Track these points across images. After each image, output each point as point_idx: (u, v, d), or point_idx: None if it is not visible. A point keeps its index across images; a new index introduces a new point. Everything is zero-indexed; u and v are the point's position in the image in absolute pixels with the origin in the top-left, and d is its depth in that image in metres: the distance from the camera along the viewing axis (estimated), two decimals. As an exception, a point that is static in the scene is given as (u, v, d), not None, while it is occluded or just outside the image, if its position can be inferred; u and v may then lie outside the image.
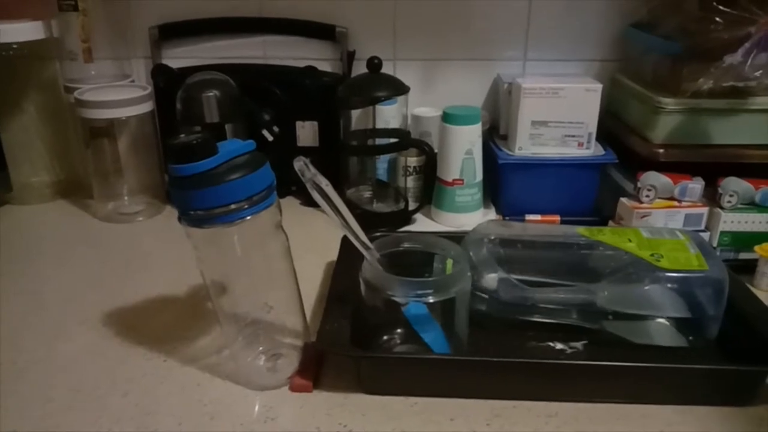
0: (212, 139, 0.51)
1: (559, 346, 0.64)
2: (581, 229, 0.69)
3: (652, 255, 0.63)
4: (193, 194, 0.51)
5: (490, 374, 0.58)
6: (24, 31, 0.92)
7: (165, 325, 0.69)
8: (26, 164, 0.99)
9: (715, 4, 0.73)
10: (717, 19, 0.74)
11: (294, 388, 0.58)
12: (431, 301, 0.58)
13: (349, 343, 0.58)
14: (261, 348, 0.61)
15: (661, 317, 0.63)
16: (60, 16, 0.94)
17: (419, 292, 0.58)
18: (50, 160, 1.01)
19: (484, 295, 0.65)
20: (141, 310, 0.72)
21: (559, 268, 0.66)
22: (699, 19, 0.76)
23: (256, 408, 0.57)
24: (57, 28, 0.95)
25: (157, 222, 0.95)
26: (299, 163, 0.54)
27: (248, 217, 0.52)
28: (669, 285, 0.61)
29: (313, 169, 0.55)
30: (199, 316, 0.70)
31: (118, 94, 0.90)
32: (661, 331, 0.64)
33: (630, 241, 0.65)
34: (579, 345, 0.64)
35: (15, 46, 0.92)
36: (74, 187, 1.02)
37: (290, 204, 0.96)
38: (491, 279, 0.64)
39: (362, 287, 0.60)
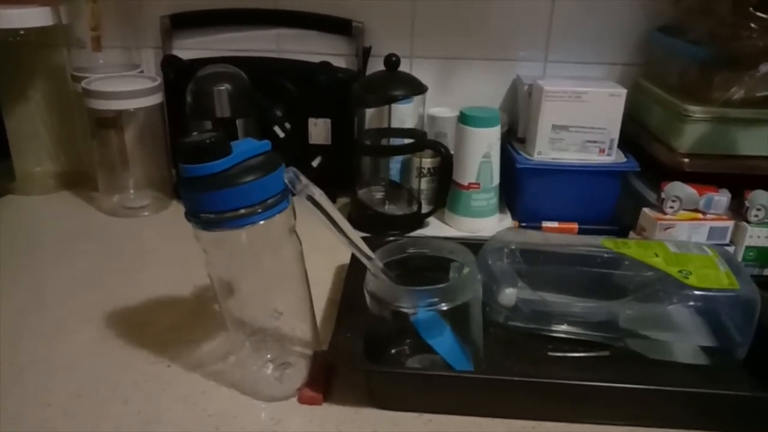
0: (226, 138, 0.49)
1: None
2: (605, 241, 0.66)
3: (680, 271, 0.60)
4: (205, 196, 0.48)
5: (508, 393, 0.55)
6: (32, 16, 0.89)
7: (169, 327, 0.66)
8: (31, 154, 0.97)
9: (750, 9, 0.70)
10: (752, 25, 0.71)
11: (303, 400, 0.56)
12: (442, 308, 0.55)
13: (362, 354, 0.55)
14: (269, 356, 0.59)
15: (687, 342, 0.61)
16: (69, 3, 0.91)
17: (427, 300, 0.55)
18: (55, 150, 0.98)
19: (502, 309, 0.62)
20: (145, 311, 0.69)
21: (581, 282, 0.64)
22: (732, 25, 0.73)
23: (263, 420, 0.54)
24: (66, 14, 0.92)
25: (162, 217, 0.92)
26: (289, 174, 0.51)
27: (261, 222, 0.50)
28: (697, 304, 0.59)
29: (304, 180, 0.52)
30: (204, 318, 0.67)
31: (127, 84, 0.88)
32: (685, 351, 0.61)
33: (656, 255, 0.63)
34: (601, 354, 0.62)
35: (22, 32, 0.90)
36: (79, 179, 0.99)
37: (299, 203, 0.93)
38: (510, 295, 0.61)
39: (368, 299, 0.57)
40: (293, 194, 0.52)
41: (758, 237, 0.76)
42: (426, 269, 0.62)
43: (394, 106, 0.88)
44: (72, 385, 0.58)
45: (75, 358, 0.61)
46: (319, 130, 0.94)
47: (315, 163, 0.94)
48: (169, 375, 0.59)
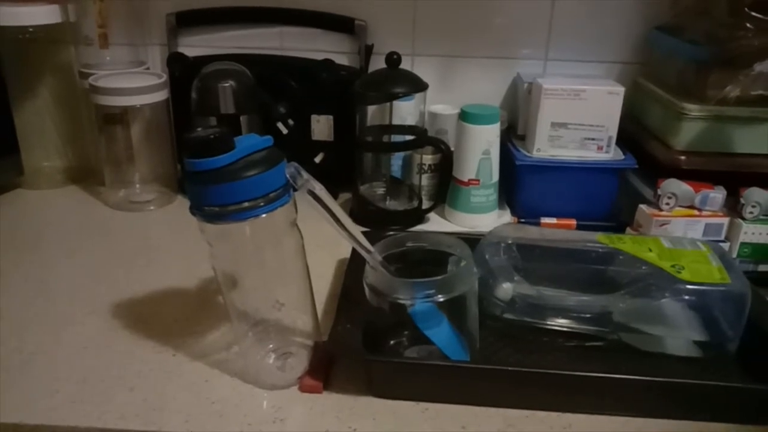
0: (230, 134, 0.50)
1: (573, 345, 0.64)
2: (600, 236, 0.67)
3: (673, 266, 0.61)
4: (209, 190, 0.50)
5: (504, 383, 0.56)
6: (40, 14, 0.90)
7: (174, 318, 0.68)
8: (38, 148, 0.99)
9: (746, 9, 0.72)
10: (747, 25, 0.72)
11: (304, 389, 0.58)
12: (439, 300, 0.56)
13: (361, 345, 0.57)
14: (271, 346, 0.60)
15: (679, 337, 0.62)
16: (77, 1, 0.93)
17: (424, 292, 0.56)
18: (63, 146, 1.00)
19: (498, 302, 0.63)
20: (150, 302, 0.71)
21: (576, 276, 0.65)
22: (728, 25, 0.74)
23: (265, 407, 0.56)
24: (73, 12, 0.94)
25: (168, 212, 0.94)
26: (291, 170, 0.53)
27: (263, 215, 0.51)
28: (689, 298, 0.60)
29: (305, 174, 0.53)
30: (208, 309, 0.69)
31: (133, 81, 0.89)
32: (678, 344, 0.62)
33: (650, 250, 0.64)
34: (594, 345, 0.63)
35: (31, 29, 0.91)
36: (86, 174, 1.01)
37: (301, 198, 0.95)
38: (506, 289, 0.63)
39: (366, 292, 0.59)
40: (295, 189, 0.54)
41: (753, 233, 0.77)
42: (424, 263, 0.63)
43: (395, 103, 0.89)
44: (79, 373, 0.59)
45: (82, 348, 0.63)
46: (321, 127, 0.95)
47: (317, 160, 0.96)
48: (174, 364, 0.61)
